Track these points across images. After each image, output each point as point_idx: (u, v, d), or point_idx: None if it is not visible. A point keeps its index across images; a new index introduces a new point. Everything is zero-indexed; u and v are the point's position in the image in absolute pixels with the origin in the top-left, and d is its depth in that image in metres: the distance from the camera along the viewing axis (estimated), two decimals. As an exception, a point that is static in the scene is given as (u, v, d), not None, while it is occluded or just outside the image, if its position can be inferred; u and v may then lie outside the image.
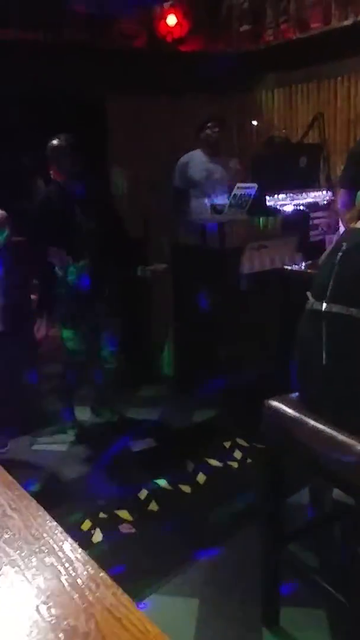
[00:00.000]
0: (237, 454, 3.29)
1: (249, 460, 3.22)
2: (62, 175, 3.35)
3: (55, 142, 3.33)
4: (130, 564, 2.42)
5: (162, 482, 3.05)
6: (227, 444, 3.38)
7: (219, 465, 3.21)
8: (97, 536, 2.65)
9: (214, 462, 3.23)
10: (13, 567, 0.73)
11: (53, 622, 0.64)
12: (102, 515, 2.79)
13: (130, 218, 4.01)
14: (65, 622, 0.64)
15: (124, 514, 2.80)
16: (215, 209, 4.21)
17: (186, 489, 3.01)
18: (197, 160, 4.56)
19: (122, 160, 5.23)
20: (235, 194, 4.12)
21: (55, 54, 4.44)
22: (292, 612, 2.13)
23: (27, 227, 3.43)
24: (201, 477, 3.10)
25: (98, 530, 2.68)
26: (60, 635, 0.62)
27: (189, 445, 3.47)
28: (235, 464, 3.22)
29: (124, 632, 0.63)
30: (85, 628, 0.63)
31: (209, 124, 4.48)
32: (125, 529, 2.72)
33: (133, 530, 2.70)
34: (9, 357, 3.38)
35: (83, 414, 3.79)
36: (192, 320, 3.94)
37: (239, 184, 4.17)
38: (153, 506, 2.87)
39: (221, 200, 4.26)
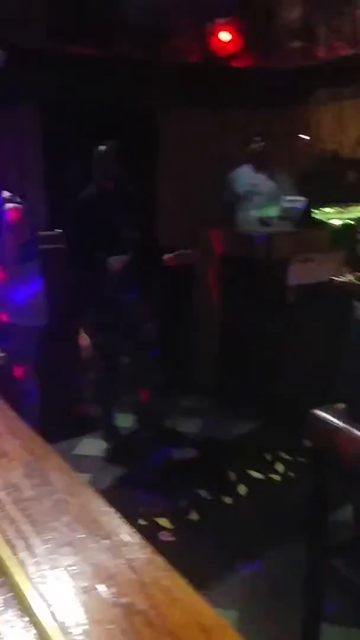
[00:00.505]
0: (279, 467, 3.26)
1: (290, 474, 3.18)
2: (103, 180, 3.42)
3: (99, 148, 3.41)
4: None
5: (203, 492, 3.03)
6: (269, 457, 3.35)
7: (260, 478, 3.18)
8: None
9: (255, 474, 3.20)
10: (74, 547, 0.75)
11: (112, 599, 0.65)
12: (141, 522, 2.79)
13: (178, 229, 4.05)
14: (123, 600, 0.64)
15: (164, 522, 2.80)
16: (263, 222, 4.21)
17: (227, 500, 2.99)
18: (244, 174, 4.58)
19: (172, 172, 5.29)
20: (283, 207, 4.13)
21: (111, 68, 4.56)
22: (333, 630, 2.08)
23: (68, 229, 3.53)
24: (242, 489, 3.08)
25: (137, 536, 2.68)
26: (119, 611, 0.63)
27: (230, 456, 3.45)
28: (277, 477, 3.18)
29: (179, 612, 0.63)
30: (143, 606, 0.63)
31: (254, 138, 4.50)
32: (164, 536, 2.72)
33: (173, 539, 2.69)
34: (54, 358, 3.41)
35: (125, 421, 3.81)
36: (237, 331, 3.94)
37: (287, 197, 4.18)
38: (193, 516, 2.86)
39: (269, 213, 4.27)
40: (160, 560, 0.72)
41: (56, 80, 4.51)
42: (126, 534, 0.78)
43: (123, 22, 4.70)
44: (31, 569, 0.71)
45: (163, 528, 2.76)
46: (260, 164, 4.52)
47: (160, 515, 2.84)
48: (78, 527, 0.79)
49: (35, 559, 0.72)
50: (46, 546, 0.75)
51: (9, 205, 3.03)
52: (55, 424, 3.27)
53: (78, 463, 3.40)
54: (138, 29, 4.72)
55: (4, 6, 4.30)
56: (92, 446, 3.61)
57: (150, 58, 4.88)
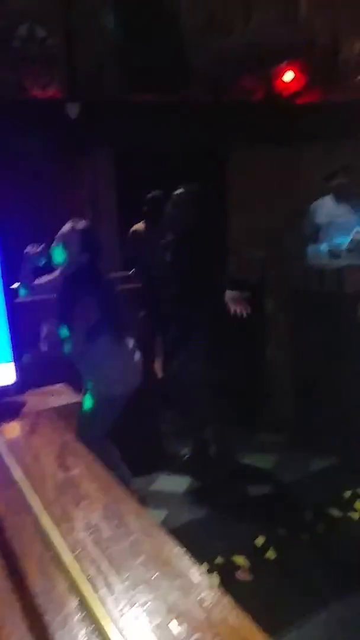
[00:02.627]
0: (358, 505, 3.19)
1: (371, 512, 3.11)
2: (179, 224, 3.52)
3: (176, 192, 3.52)
4: (246, 612, 2.41)
5: (280, 530, 3.01)
6: (348, 494, 3.29)
7: (338, 516, 3.12)
8: (214, 581, 2.65)
9: (334, 512, 3.15)
10: (147, 586, 0.81)
11: (183, 635, 0.71)
12: (218, 560, 2.80)
13: (248, 266, 4.12)
14: (194, 637, 0.70)
15: (240, 560, 2.80)
16: (333, 254, 4.21)
17: (305, 537, 2.95)
18: (326, 205, 4.60)
19: (242, 210, 5.39)
20: (353, 239, 4.11)
21: (184, 112, 4.74)
22: None
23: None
24: (320, 527, 3.03)
25: (215, 575, 2.69)
26: (190, 647, 0.68)
27: (307, 493, 3.41)
28: (356, 515, 3.12)
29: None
30: (212, 643, 0.69)
31: (337, 171, 4.53)
32: (241, 575, 2.71)
33: (249, 578, 2.69)
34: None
35: (201, 457, 3.85)
36: (311, 366, 3.92)
37: (358, 229, 4.16)
38: (270, 554, 2.84)
39: (339, 245, 4.26)
40: (228, 600, 0.78)
41: (128, 127, 4.73)
42: (197, 573, 0.84)
43: (190, 68, 4.89)
44: (110, 606, 0.78)
45: (240, 566, 2.76)
46: (343, 196, 4.53)
47: (237, 553, 2.84)
48: (152, 567, 0.85)
49: (114, 596, 0.79)
50: (124, 584, 0.81)
51: None
52: (134, 457, 3.33)
53: (155, 499, 3.45)
54: (205, 75, 4.90)
55: (76, 61, 4.59)
56: (170, 482, 3.66)
57: (217, 101, 5.04)
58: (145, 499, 3.24)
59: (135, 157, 4.83)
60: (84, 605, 0.73)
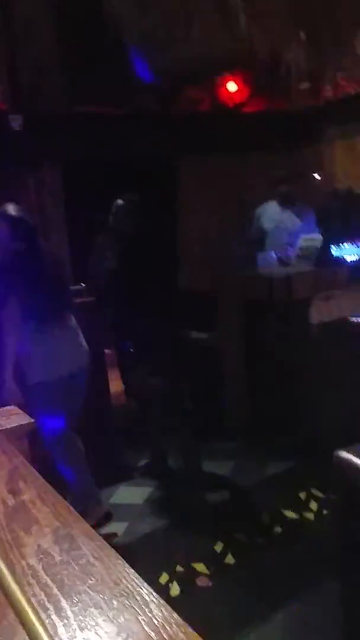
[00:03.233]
0: (313, 505, 3.26)
1: (325, 512, 3.18)
2: (121, 232, 3.56)
3: (117, 201, 3.55)
4: (208, 618, 2.45)
5: (238, 535, 3.06)
6: (303, 495, 3.36)
7: (294, 517, 3.19)
8: (175, 590, 2.68)
9: (289, 514, 3.22)
10: (97, 609, 0.83)
11: (132, 657, 0.73)
12: (179, 568, 2.82)
13: (199, 275, 4.17)
14: (142, 657, 0.72)
15: (200, 567, 2.83)
16: (282, 262, 4.31)
17: (262, 541, 3.01)
18: (271, 210, 4.70)
19: (190, 218, 5.44)
20: (301, 246, 4.22)
21: (130, 123, 4.77)
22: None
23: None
24: (277, 529, 3.09)
25: (175, 583, 2.72)
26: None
27: (264, 497, 3.48)
28: (311, 515, 3.19)
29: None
30: (160, 662, 0.71)
31: (283, 177, 4.63)
32: (202, 582, 2.75)
33: (210, 584, 2.72)
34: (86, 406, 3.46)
35: (158, 467, 3.87)
36: (263, 373, 4.00)
37: (304, 236, 4.28)
38: (229, 559, 2.88)
39: (288, 252, 4.36)
40: (177, 617, 0.80)
41: (74, 139, 4.73)
42: (146, 593, 0.86)
43: (134, 80, 4.92)
44: (61, 631, 0.79)
45: (200, 573, 2.79)
46: (288, 201, 4.63)
47: (197, 560, 2.87)
48: (103, 589, 0.87)
49: (64, 622, 0.80)
50: (74, 608, 0.83)
51: None
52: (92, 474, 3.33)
53: (115, 512, 3.45)
54: (150, 87, 4.94)
55: (18, 73, 4.57)
56: (128, 494, 3.67)
57: (163, 111, 5.09)
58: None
59: (83, 168, 4.84)
60: (33, 633, 0.74)
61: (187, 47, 4.26)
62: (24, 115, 4.52)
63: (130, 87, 4.91)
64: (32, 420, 1.52)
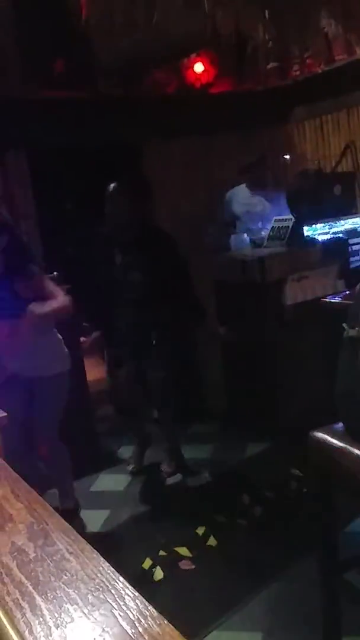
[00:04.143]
0: (292, 485, 3.30)
1: (304, 490, 3.22)
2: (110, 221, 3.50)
3: (110, 186, 3.49)
4: (192, 600, 2.48)
5: (219, 517, 3.09)
6: (282, 476, 3.40)
7: (273, 497, 3.23)
8: (158, 574, 2.71)
9: (269, 495, 3.25)
10: (72, 605, 0.83)
11: (108, 651, 0.73)
12: (162, 552, 2.85)
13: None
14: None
15: (183, 550, 2.86)
16: (255, 243, 4.31)
17: (243, 522, 3.04)
18: (241, 193, 4.68)
19: (162, 202, 5.39)
20: (273, 227, 4.22)
21: (95, 108, 4.68)
22: (356, 643, 2.13)
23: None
24: (257, 510, 3.13)
25: (159, 568, 2.74)
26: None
27: (244, 479, 3.51)
28: (290, 494, 3.23)
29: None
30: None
31: (252, 163, 4.61)
32: (185, 565, 2.77)
33: (193, 567, 2.75)
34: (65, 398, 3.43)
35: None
36: (239, 355, 4.01)
37: (276, 217, 4.27)
38: (211, 541, 2.91)
39: (260, 234, 4.36)
40: (152, 610, 0.80)
41: (36, 124, 4.61)
42: (121, 586, 0.86)
43: (103, 64, 4.82)
44: (37, 629, 0.79)
45: (183, 557, 2.82)
46: (257, 185, 4.62)
47: (179, 544, 2.89)
48: (78, 584, 0.87)
49: (39, 619, 0.80)
50: (49, 605, 0.83)
51: None
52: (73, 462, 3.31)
53: (96, 500, 3.47)
54: (114, 70, 4.86)
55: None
56: (110, 482, 3.68)
57: (129, 94, 5.01)
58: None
59: (48, 154, 4.75)
60: (9, 633, 0.74)
61: (150, 28, 4.20)
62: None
63: (94, 71, 4.82)
64: (4, 414, 1.51)
